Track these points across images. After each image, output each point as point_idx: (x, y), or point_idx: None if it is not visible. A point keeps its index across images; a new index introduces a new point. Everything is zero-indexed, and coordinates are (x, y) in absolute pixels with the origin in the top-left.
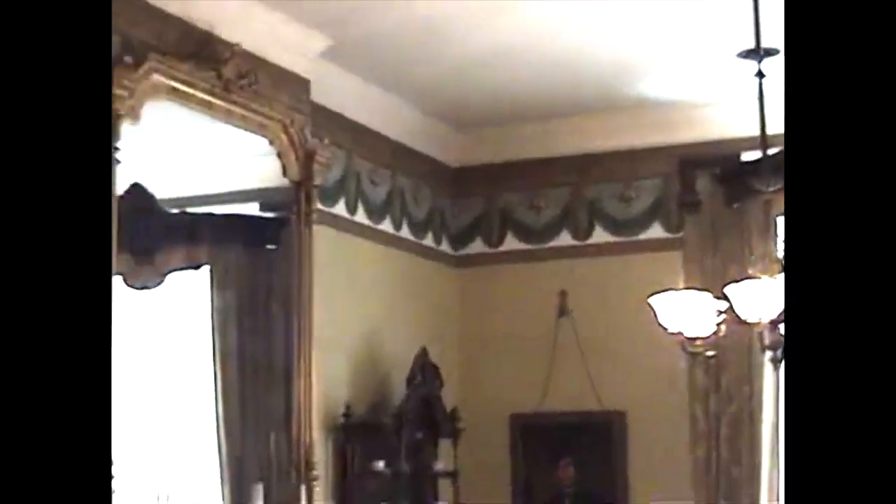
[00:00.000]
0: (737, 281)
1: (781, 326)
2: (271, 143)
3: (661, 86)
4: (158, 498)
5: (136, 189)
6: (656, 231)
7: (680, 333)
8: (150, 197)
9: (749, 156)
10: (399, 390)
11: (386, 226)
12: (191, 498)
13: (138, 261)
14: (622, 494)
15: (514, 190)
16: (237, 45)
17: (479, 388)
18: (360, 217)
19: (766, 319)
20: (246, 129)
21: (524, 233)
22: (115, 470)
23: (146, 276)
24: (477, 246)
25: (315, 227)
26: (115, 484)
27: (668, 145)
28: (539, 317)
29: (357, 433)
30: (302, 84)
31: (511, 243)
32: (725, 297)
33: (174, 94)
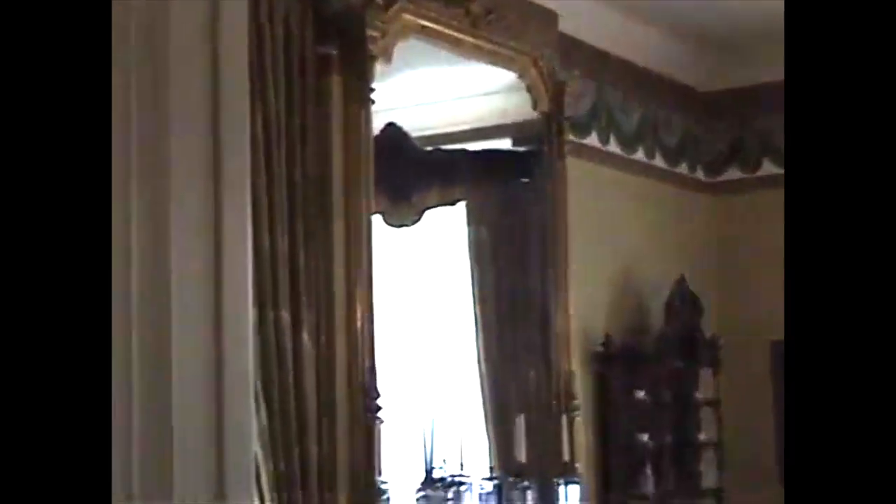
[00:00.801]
0: None
1: None
2: (520, 76)
3: None
4: (425, 428)
5: (391, 129)
6: None
7: None
8: (405, 136)
9: None
10: (657, 319)
11: (639, 155)
12: (456, 428)
13: (395, 199)
14: None
15: (770, 113)
16: None
17: (739, 315)
18: (613, 147)
19: None
20: (495, 65)
21: (782, 157)
22: (383, 400)
23: (404, 213)
24: (733, 172)
25: (568, 159)
26: (383, 413)
27: None
28: None
29: (616, 363)
30: (549, 16)
31: (768, 168)
32: None
33: (424, 32)
